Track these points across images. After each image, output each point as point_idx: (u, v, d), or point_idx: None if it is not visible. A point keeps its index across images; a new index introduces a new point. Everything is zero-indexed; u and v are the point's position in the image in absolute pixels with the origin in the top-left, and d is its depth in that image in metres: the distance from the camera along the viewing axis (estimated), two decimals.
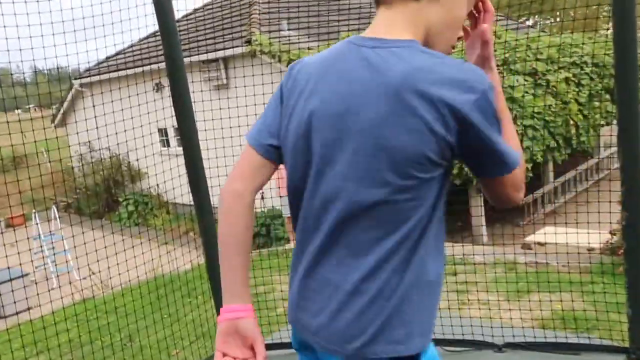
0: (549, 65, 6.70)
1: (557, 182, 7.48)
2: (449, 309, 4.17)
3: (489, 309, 4.02)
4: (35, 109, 10.36)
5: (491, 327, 2.79)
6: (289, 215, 6.51)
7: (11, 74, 4.59)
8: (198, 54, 7.97)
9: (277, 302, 4.43)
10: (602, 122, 7.30)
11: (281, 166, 3.88)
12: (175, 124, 2.95)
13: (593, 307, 3.92)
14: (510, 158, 0.83)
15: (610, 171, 8.19)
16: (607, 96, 6.99)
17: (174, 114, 2.81)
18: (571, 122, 6.60)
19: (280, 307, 4.43)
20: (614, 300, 3.70)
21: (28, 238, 6.80)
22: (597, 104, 6.96)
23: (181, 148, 2.90)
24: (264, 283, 5.01)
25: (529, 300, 4.43)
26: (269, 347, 1.61)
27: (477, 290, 4.50)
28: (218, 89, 8.29)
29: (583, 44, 6.61)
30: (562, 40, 6.49)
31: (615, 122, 2.27)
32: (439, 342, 2.45)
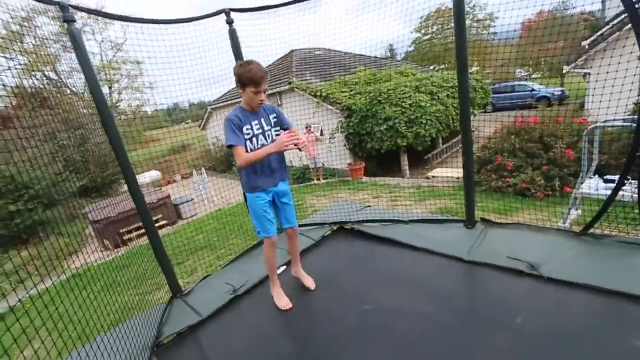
0: (439, 89, 8.72)
1: (443, 146, 9.76)
2: (386, 207, 6.18)
3: (406, 207, 5.94)
4: (191, 122, 14.31)
5: (406, 214, 3.22)
6: (313, 167, 8.94)
7: (181, 108, 7.65)
8: (267, 91, 10.80)
9: (308, 208, 6.73)
10: None
11: (308, 136, 7.13)
12: None
13: (455, 204, 5.21)
14: (227, 142, 1.78)
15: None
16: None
17: None
18: (450, 116, 8.39)
19: (310, 210, 6.68)
20: (463, 201, 5.37)
21: (192, 183, 10.03)
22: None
23: None
24: (300, 199, 7.47)
25: (426, 203, 5.72)
26: (303, 225, 3.21)
27: (402, 198, 6.44)
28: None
29: (453, 77, 8.98)
30: (446, 75, 9.43)
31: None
32: (378, 222, 2.97)
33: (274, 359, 1.80)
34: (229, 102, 11.39)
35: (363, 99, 8.88)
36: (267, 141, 1.93)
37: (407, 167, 9.00)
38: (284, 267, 2.70)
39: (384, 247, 2.76)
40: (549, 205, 4.64)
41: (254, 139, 1.89)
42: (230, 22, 2.72)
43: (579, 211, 2.93)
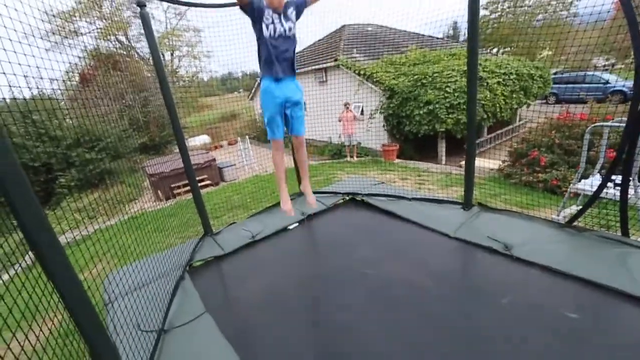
0: (490, 74, 8.09)
1: (487, 136, 9.30)
2: (411, 188, 6.38)
3: (429, 191, 6.07)
4: (242, 91, 15.23)
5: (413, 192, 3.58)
6: (348, 144, 9.23)
7: (235, 77, 8.28)
8: (313, 66, 10.75)
9: (339, 181, 7.15)
10: (516, 106, 8.84)
11: (347, 114, 7.56)
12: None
13: (479, 194, 5.22)
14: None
15: (515, 134, 9.94)
16: (521, 92, 8.79)
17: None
18: (498, 105, 7.95)
19: (339, 178, 7.08)
20: (490, 191, 5.42)
21: (236, 150, 10.97)
22: (514, 95, 8.49)
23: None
24: (331, 174, 7.93)
25: (450, 190, 5.43)
26: (320, 192, 3.87)
27: (428, 182, 6.56)
28: (320, 84, 10.52)
29: (508, 63, 8.74)
30: (500, 61, 8.86)
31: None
32: (385, 197, 3.16)
33: (275, 294, 2.33)
34: None
35: (407, 80, 8.84)
36: (281, 28, 2.02)
37: (443, 154, 8.93)
38: (296, 224, 3.20)
39: (385, 219, 3.13)
40: (579, 205, 4.55)
41: (271, 26, 1.99)
42: None
43: (580, 207, 2.99)
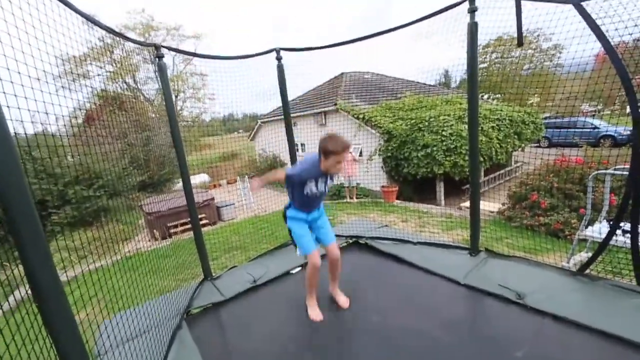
0: (483, 120, 8.55)
1: (484, 178, 9.40)
2: (413, 230, 6.32)
3: (432, 235, 6.00)
4: (242, 131, 15.71)
5: (417, 236, 3.66)
6: (347, 186, 9.28)
7: (235, 118, 8.60)
8: (312, 110, 11.23)
9: (337, 224, 7.10)
10: (511, 149, 9.18)
11: (346, 156, 7.37)
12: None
13: (482, 239, 5.26)
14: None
15: (512, 176, 10.28)
16: (515, 136, 9.28)
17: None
18: (493, 148, 8.26)
19: (340, 220, 7.04)
20: (493, 235, 5.37)
21: (235, 189, 10.97)
22: (508, 140, 8.91)
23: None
24: (332, 215, 7.86)
25: (453, 233, 5.71)
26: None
27: (430, 225, 6.50)
28: (320, 127, 10.91)
29: (501, 110, 9.35)
30: (493, 107, 9.54)
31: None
32: (390, 240, 3.17)
33: (278, 344, 2.20)
34: (278, 117, 12.39)
35: (404, 124, 9.17)
36: (322, 189, 2.25)
37: (442, 196, 9.00)
38: (299, 268, 3.11)
39: (391, 263, 3.05)
40: (583, 250, 4.51)
41: (312, 187, 2.20)
42: (279, 58, 3.30)
43: (589, 254, 2.96)
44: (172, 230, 8.52)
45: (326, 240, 2.41)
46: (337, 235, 3.70)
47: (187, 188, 2.85)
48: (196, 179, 14.46)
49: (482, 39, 2.78)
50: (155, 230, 8.68)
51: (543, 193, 5.63)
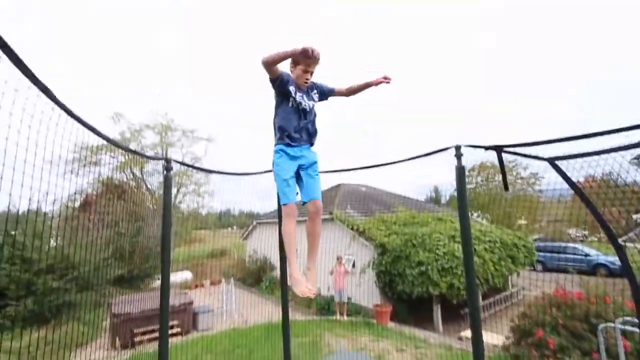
0: (475, 240, 8.57)
1: (483, 303, 8.95)
2: None
3: None
4: (236, 228, 15.68)
5: None
6: (338, 300, 8.65)
7: (232, 214, 8.66)
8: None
9: (324, 348, 6.29)
10: (507, 272, 8.84)
11: (339, 268, 7.36)
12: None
13: None
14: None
15: (511, 301, 9.91)
16: (509, 259, 9.13)
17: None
18: (488, 271, 8.04)
19: (325, 349, 6.25)
20: None
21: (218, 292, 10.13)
22: (502, 262, 8.67)
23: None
24: (318, 335, 7.02)
25: None
26: None
27: (429, 358, 5.77)
28: None
29: (492, 231, 9.53)
30: (484, 228, 9.68)
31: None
32: None
33: None
34: (273, 219, 12.50)
35: (398, 239, 9.18)
36: (307, 106, 2.09)
37: (440, 320, 8.32)
38: None
39: None
40: None
41: (292, 100, 2.06)
42: None
43: None
44: (137, 339, 7.53)
45: (312, 193, 2.07)
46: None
47: (165, 285, 2.60)
48: (177, 277, 13.55)
49: (468, 165, 2.98)
50: (117, 337, 7.66)
51: (548, 330, 5.21)
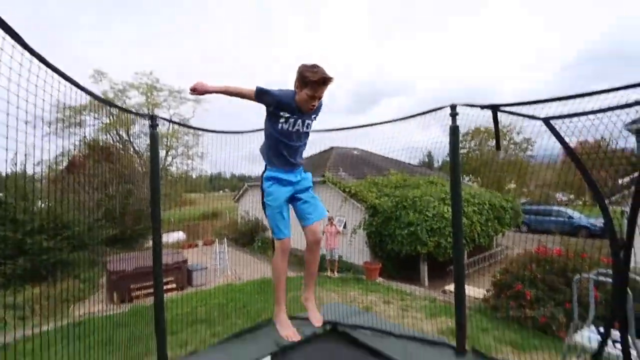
0: (465, 203, 8.73)
1: (467, 260, 9.08)
2: (395, 314, 5.91)
3: (415, 320, 5.60)
4: (228, 191, 15.67)
5: (402, 327, 3.38)
6: (329, 258, 8.95)
7: (223, 177, 8.63)
8: None
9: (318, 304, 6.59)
10: (492, 233, 9.31)
11: (330, 228, 7.47)
12: None
13: (469, 331, 5.00)
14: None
15: (496, 259, 10.17)
16: (495, 221, 9.51)
17: None
18: (475, 231, 8.45)
19: (318, 297, 6.55)
20: (479, 325, 5.11)
21: (212, 251, 10.45)
22: (489, 223, 9.10)
23: None
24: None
25: (438, 320, 5.36)
26: (298, 318, 3.48)
27: (413, 309, 6.13)
28: None
29: (481, 194, 9.71)
30: (473, 191, 9.92)
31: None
32: (371, 330, 2.93)
33: None
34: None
35: (389, 201, 9.33)
36: (300, 128, 1.89)
37: (426, 276, 8.76)
38: (268, 358, 2.76)
39: (370, 358, 2.75)
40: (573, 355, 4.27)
41: (290, 122, 1.85)
42: None
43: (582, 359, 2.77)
44: (134, 294, 7.78)
45: (310, 216, 1.95)
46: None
47: (157, 243, 2.62)
48: (170, 237, 13.76)
49: (462, 129, 2.94)
50: (115, 293, 7.90)
51: (527, 284, 5.54)
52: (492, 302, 5.83)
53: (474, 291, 6.49)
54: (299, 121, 1.86)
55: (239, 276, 9.00)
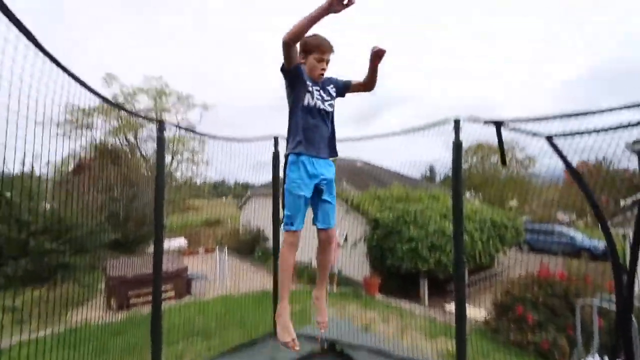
0: (466, 220, 8.46)
1: (469, 279, 8.44)
2: (394, 331, 5.81)
3: (413, 341, 5.48)
4: (231, 198, 15.72)
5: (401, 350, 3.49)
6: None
7: (227, 185, 8.65)
8: None
9: (313, 315, 6.44)
10: (494, 252, 9.20)
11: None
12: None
13: (469, 350, 4.88)
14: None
15: (496, 279, 9.94)
16: (497, 239, 9.35)
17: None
18: (476, 249, 8.27)
19: (313, 317, 6.44)
20: (479, 349, 4.99)
21: (214, 259, 10.38)
22: (491, 242, 8.88)
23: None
24: (308, 304, 7.25)
25: (437, 341, 5.28)
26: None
27: (412, 328, 6.03)
28: None
29: (483, 211, 9.65)
30: (474, 207, 9.88)
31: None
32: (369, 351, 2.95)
33: None
34: (268, 191, 12.52)
35: (391, 215, 9.28)
36: (323, 104, 1.80)
37: (426, 294, 8.63)
38: None
39: None
40: None
41: (311, 97, 1.77)
42: (276, 147, 3.42)
43: None
44: (132, 301, 7.72)
45: (327, 218, 1.81)
46: (311, 337, 3.33)
47: (158, 252, 2.61)
48: (172, 243, 13.70)
49: (465, 144, 2.91)
50: (112, 299, 7.84)
51: (529, 306, 5.44)
52: (493, 325, 5.72)
53: (475, 312, 6.37)
54: (319, 97, 1.79)
55: (238, 287, 8.91)
